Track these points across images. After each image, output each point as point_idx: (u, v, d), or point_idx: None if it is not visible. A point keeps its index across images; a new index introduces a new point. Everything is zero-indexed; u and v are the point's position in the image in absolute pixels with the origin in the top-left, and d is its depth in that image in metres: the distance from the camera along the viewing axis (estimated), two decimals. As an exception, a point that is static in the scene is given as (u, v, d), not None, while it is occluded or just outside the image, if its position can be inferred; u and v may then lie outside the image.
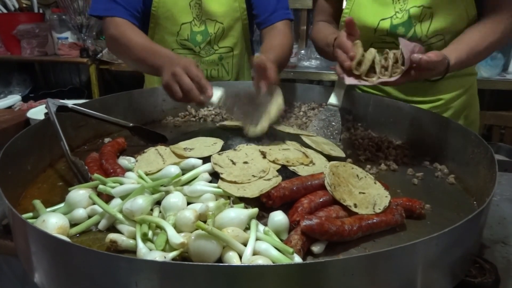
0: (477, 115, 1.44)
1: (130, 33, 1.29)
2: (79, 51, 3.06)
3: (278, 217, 0.72)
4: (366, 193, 0.83)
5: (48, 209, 0.77)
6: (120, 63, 2.97)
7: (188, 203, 0.77)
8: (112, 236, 0.68)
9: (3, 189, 0.69)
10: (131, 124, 1.13)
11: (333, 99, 1.29)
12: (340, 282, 0.53)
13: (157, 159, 0.93)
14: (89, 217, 0.76)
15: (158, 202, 0.77)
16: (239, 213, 0.70)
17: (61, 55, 3.13)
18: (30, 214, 0.77)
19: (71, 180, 0.94)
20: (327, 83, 2.77)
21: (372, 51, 1.02)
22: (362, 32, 1.09)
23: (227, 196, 0.79)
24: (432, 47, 1.21)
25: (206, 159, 0.90)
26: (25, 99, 2.18)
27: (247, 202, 0.78)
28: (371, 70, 1.01)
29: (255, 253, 0.64)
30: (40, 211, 0.75)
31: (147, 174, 0.86)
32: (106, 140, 1.19)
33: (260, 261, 0.61)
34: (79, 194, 0.78)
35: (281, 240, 0.69)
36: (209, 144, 0.98)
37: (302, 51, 2.96)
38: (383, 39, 1.26)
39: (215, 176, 0.85)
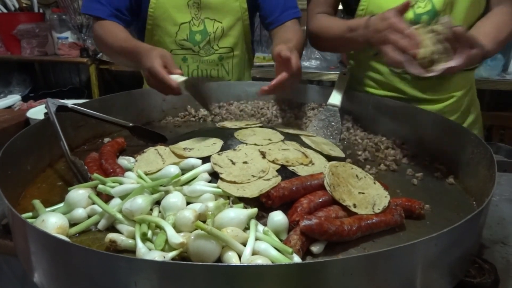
0: (479, 109, 1.45)
1: (109, 34, 1.32)
2: (79, 51, 3.06)
3: (278, 217, 0.72)
4: (366, 193, 0.82)
5: (48, 209, 0.77)
6: (120, 63, 2.97)
7: (188, 203, 0.77)
8: (111, 236, 0.68)
9: (2, 189, 0.69)
10: (130, 124, 1.13)
11: (332, 99, 1.29)
12: (340, 282, 0.53)
13: (157, 159, 0.93)
14: (89, 217, 0.76)
15: (157, 202, 0.77)
16: (239, 213, 0.70)
17: (61, 55, 3.13)
18: (30, 214, 0.77)
19: (70, 180, 0.94)
20: (327, 83, 2.77)
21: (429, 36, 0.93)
22: None
23: (226, 196, 0.79)
24: None
25: (205, 159, 0.90)
26: (25, 99, 2.18)
27: (247, 202, 0.78)
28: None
29: (254, 253, 0.64)
30: (40, 211, 0.75)
31: (146, 174, 0.86)
32: (106, 140, 1.18)
33: (260, 261, 0.61)
34: (79, 194, 0.78)
35: (281, 240, 0.69)
36: (209, 144, 0.99)
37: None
38: None
39: (214, 176, 0.85)
